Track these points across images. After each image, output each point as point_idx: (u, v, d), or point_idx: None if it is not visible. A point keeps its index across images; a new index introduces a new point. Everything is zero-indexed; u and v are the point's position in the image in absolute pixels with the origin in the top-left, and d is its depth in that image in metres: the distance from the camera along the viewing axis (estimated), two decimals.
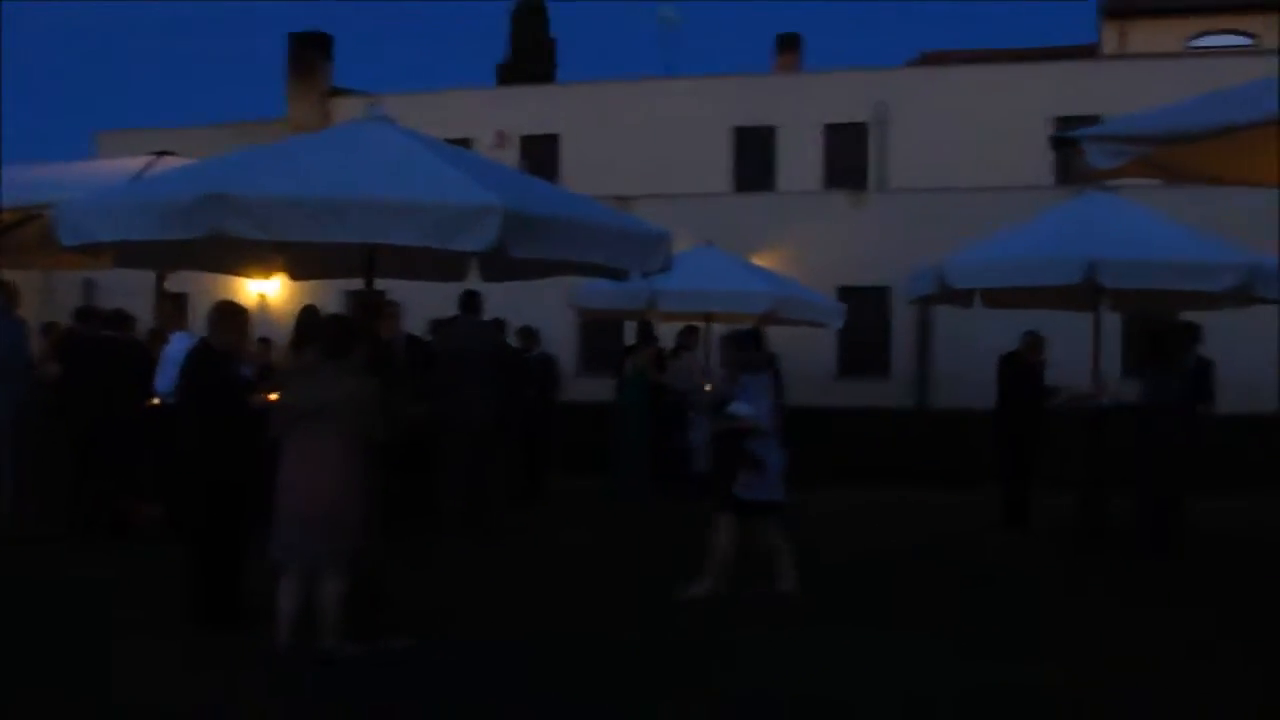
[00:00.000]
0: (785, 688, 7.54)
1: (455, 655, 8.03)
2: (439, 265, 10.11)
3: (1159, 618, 9.58)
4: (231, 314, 8.89)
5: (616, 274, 9.38)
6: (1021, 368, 14.27)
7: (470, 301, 13.30)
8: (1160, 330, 13.46)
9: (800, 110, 30.05)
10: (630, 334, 19.53)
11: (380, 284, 9.53)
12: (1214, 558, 12.20)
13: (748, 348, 10.32)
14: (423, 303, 14.54)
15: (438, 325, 14.67)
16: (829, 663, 8.13)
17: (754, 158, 30.21)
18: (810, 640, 8.72)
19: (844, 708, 7.16)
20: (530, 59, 43.45)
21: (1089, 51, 35.25)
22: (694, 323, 17.67)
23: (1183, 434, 12.41)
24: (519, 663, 7.96)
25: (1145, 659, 8.23)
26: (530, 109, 31.69)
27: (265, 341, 14.88)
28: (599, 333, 24.13)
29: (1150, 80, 25.72)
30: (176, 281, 14.08)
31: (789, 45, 36.18)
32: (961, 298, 14.11)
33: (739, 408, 9.92)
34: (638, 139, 29.72)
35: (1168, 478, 12.40)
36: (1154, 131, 5.78)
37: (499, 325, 14.71)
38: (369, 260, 8.81)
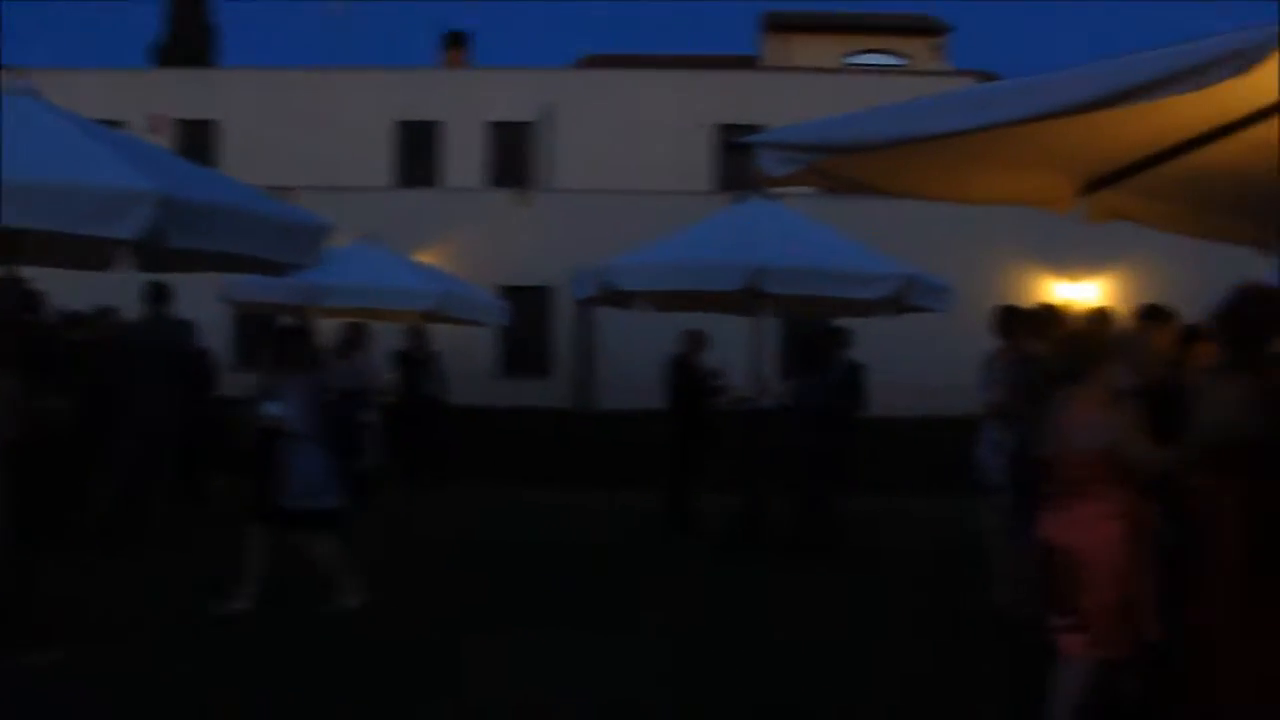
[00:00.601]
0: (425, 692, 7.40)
1: (108, 667, 7.58)
2: (83, 253, 9.46)
3: (802, 616, 9.79)
4: None
5: (278, 268, 8.97)
6: (688, 369, 14.39)
7: (158, 294, 12.60)
8: (812, 335, 13.79)
9: (465, 107, 29.94)
10: None
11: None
12: (867, 558, 12.53)
13: (293, 345, 9.95)
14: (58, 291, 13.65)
15: (74, 319, 13.89)
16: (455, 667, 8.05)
17: (417, 153, 29.91)
18: (446, 644, 8.61)
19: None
20: (189, 42, 41.98)
21: (750, 62, 36.14)
22: (356, 320, 17.22)
23: (831, 436, 12.70)
24: (182, 673, 7.58)
25: (786, 659, 8.40)
26: (188, 93, 30.62)
27: None
28: (257, 325, 23.35)
29: (809, 93, 26.66)
30: None
31: (456, 42, 35.93)
32: (625, 300, 14.18)
33: (269, 407, 9.48)
34: (300, 129, 29.00)
35: (818, 479, 12.70)
36: (829, 140, 5.81)
37: (186, 326, 14.09)
38: (6, 245, 8.21)
